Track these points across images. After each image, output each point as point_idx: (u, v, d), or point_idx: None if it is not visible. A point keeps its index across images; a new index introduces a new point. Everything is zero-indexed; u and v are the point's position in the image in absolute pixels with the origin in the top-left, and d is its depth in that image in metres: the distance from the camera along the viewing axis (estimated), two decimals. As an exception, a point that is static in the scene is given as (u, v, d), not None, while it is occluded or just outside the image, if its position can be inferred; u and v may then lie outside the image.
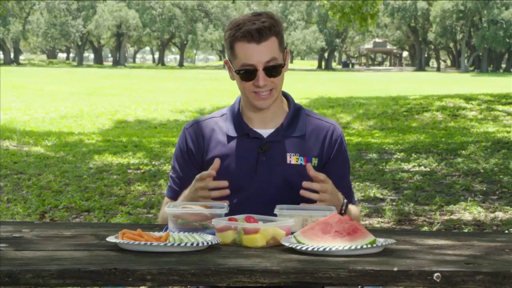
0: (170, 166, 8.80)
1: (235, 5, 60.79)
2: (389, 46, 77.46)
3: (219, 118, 2.53)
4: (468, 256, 1.86)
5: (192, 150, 2.50)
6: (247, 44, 2.35)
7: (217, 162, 2.32)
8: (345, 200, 2.34)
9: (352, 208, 2.49)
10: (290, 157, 2.43)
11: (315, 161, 2.45)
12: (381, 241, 1.90)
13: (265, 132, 2.47)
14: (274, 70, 2.38)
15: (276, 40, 2.38)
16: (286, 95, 2.55)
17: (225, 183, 2.29)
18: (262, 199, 2.37)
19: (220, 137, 2.48)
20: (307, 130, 2.48)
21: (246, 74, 2.38)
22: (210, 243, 1.90)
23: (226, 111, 2.54)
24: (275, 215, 2.13)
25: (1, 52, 65.68)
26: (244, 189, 2.40)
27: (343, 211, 2.30)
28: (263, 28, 2.34)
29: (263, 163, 2.43)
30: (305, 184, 2.25)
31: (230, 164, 2.43)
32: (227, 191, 2.30)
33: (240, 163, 2.43)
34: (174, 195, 2.51)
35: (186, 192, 2.37)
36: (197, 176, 2.30)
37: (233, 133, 2.47)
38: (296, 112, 2.50)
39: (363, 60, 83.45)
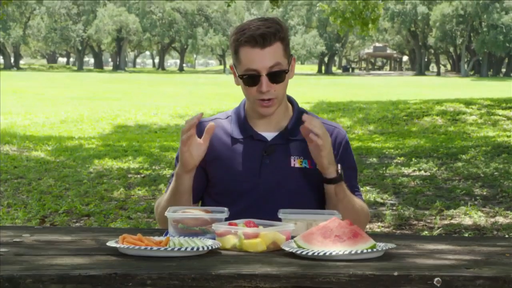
0: (170, 171, 8.83)
1: (235, 9, 60.83)
2: (389, 51, 77.50)
3: (224, 120, 2.51)
4: (469, 261, 1.86)
5: None
6: (251, 49, 2.33)
7: (211, 127, 2.33)
8: (339, 165, 2.35)
9: (358, 200, 2.45)
10: (294, 161, 2.42)
11: None
12: (381, 245, 1.90)
13: (269, 135, 2.46)
14: (278, 76, 2.36)
15: (281, 46, 2.36)
16: (290, 99, 2.55)
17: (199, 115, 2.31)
18: (266, 202, 2.37)
19: (224, 138, 2.46)
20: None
21: (249, 79, 2.36)
22: (210, 248, 1.90)
23: (231, 113, 2.53)
24: (279, 219, 2.12)
25: (1, 57, 65.71)
26: (247, 192, 2.40)
27: (339, 171, 2.33)
28: (268, 33, 2.32)
29: (267, 166, 2.41)
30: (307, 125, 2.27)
31: (234, 166, 2.42)
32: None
33: (243, 166, 2.42)
34: None
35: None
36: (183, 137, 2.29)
37: (237, 135, 2.46)
38: (300, 116, 2.47)
39: (363, 64, 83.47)
